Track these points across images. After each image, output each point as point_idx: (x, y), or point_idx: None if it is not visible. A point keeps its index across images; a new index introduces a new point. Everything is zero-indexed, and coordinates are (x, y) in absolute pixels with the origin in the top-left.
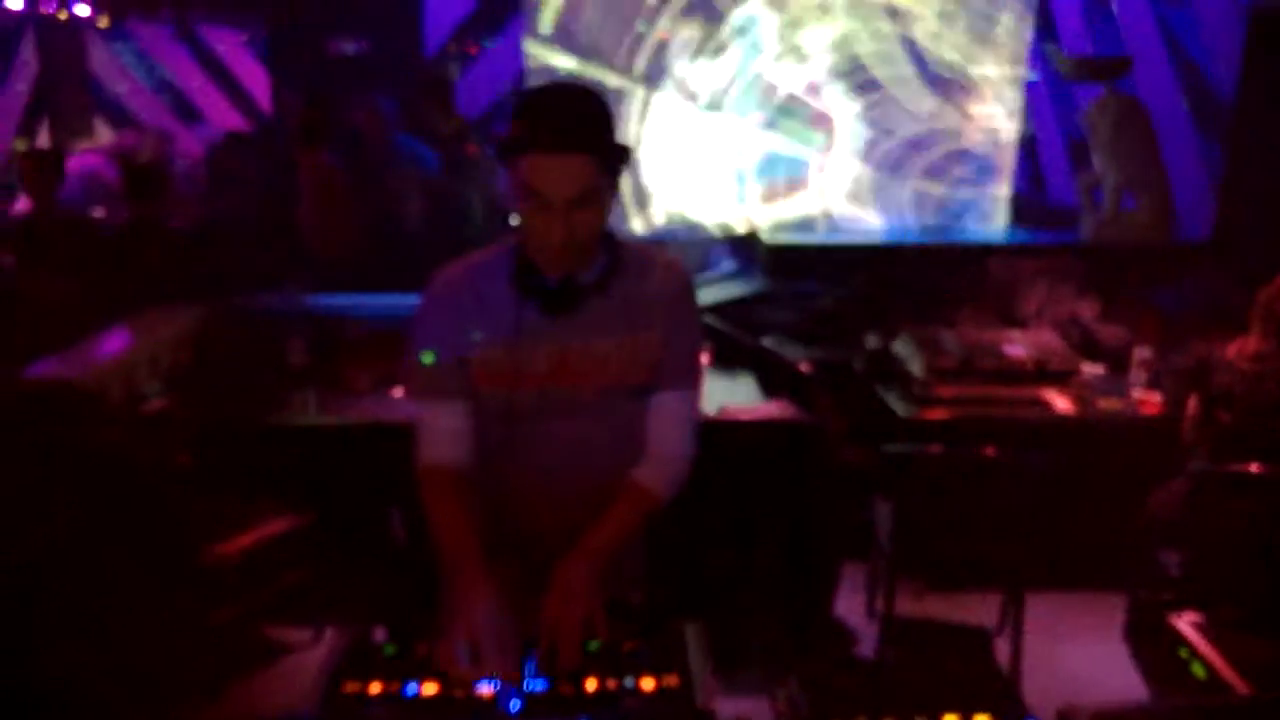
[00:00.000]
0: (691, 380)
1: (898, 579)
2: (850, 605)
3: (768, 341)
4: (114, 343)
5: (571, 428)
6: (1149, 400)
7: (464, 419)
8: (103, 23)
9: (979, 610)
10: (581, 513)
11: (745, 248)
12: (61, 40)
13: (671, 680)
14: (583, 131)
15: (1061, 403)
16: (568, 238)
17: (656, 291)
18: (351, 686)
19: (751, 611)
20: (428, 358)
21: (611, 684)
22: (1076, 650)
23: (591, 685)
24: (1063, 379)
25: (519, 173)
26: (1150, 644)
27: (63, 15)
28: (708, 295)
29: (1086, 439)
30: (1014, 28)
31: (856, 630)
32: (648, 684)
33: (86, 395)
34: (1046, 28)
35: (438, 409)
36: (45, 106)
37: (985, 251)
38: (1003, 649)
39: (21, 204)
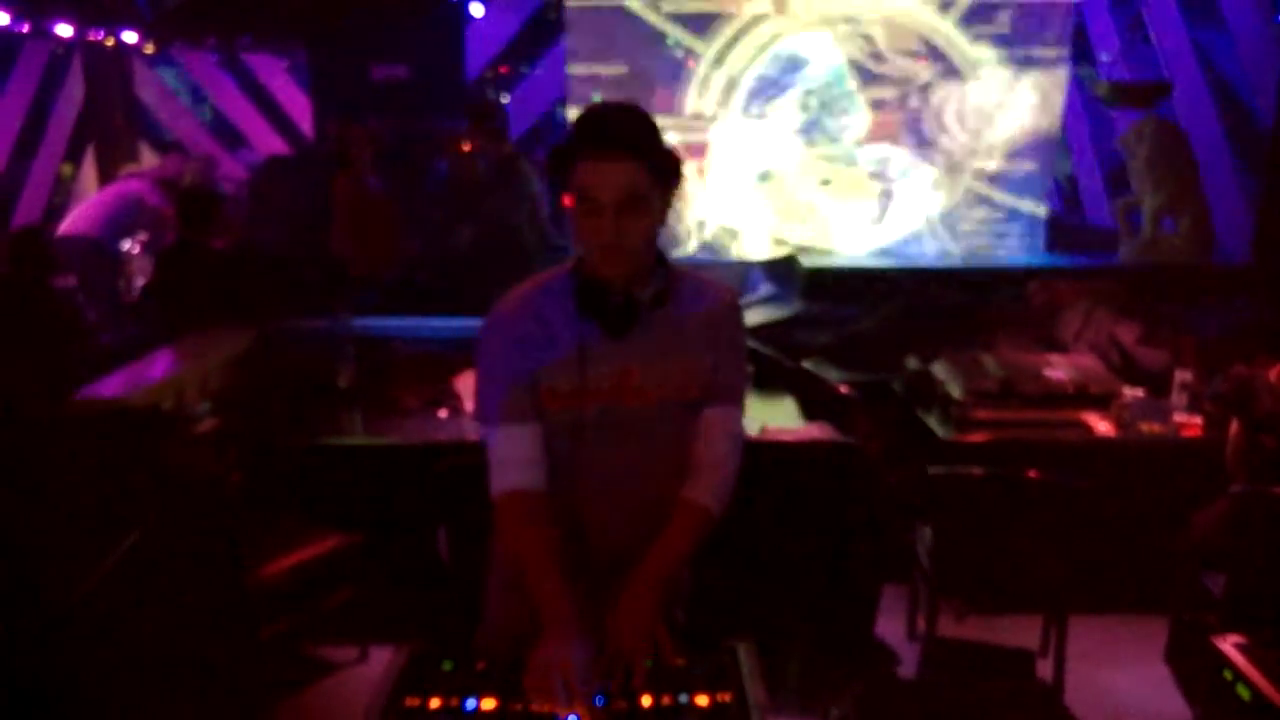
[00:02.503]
0: (737, 396)
1: (939, 601)
2: (891, 627)
3: (807, 364)
4: (162, 364)
5: (631, 444)
6: (1190, 423)
7: (537, 444)
8: (149, 49)
9: (1020, 633)
10: (642, 526)
11: (783, 271)
12: (108, 66)
13: (725, 697)
14: (629, 137)
15: (1102, 426)
16: (616, 241)
17: (710, 312)
18: (412, 701)
19: (793, 632)
20: (498, 383)
21: (666, 700)
22: (1119, 673)
23: (647, 701)
24: (1103, 402)
25: (572, 179)
26: (1193, 666)
27: (110, 42)
28: (746, 318)
29: (1127, 462)
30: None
31: (897, 652)
32: (702, 700)
33: (168, 416)
34: (1083, 53)
35: (510, 434)
36: (91, 132)
37: (1023, 275)
38: (1045, 671)
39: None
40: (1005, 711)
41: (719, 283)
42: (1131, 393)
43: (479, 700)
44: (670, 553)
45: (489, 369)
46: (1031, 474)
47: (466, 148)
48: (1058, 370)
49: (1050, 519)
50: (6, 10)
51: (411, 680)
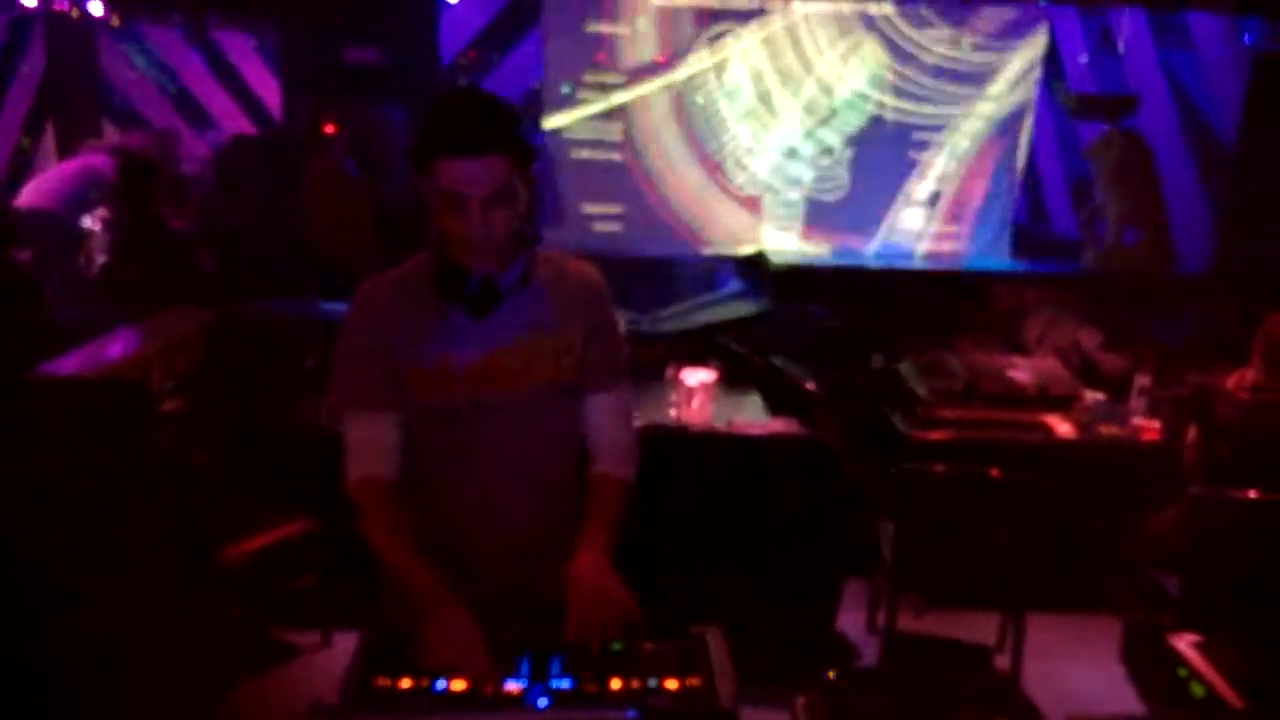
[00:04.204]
0: (620, 375)
1: (899, 596)
2: (851, 620)
3: (775, 360)
4: (125, 342)
5: (505, 430)
6: (1149, 427)
7: (396, 432)
8: (114, 23)
9: (977, 628)
10: (520, 517)
11: (752, 268)
12: (71, 38)
13: (695, 682)
14: (492, 132)
15: (1063, 427)
16: (485, 235)
17: (573, 292)
18: (382, 681)
19: (754, 623)
20: (357, 368)
21: (635, 684)
22: (1074, 669)
23: (616, 684)
24: (1065, 404)
25: (433, 177)
26: (1148, 664)
27: (75, 14)
28: (713, 314)
29: (1087, 463)
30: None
31: (857, 645)
32: (671, 685)
33: (132, 393)
34: (1052, 65)
35: (369, 421)
36: (51, 104)
37: (988, 279)
38: (1001, 666)
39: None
40: (970, 700)
41: (583, 262)
42: (1092, 396)
43: (449, 681)
44: (605, 521)
45: (349, 354)
46: (994, 472)
47: None
48: (1021, 372)
49: (1011, 517)
50: None
51: (381, 661)
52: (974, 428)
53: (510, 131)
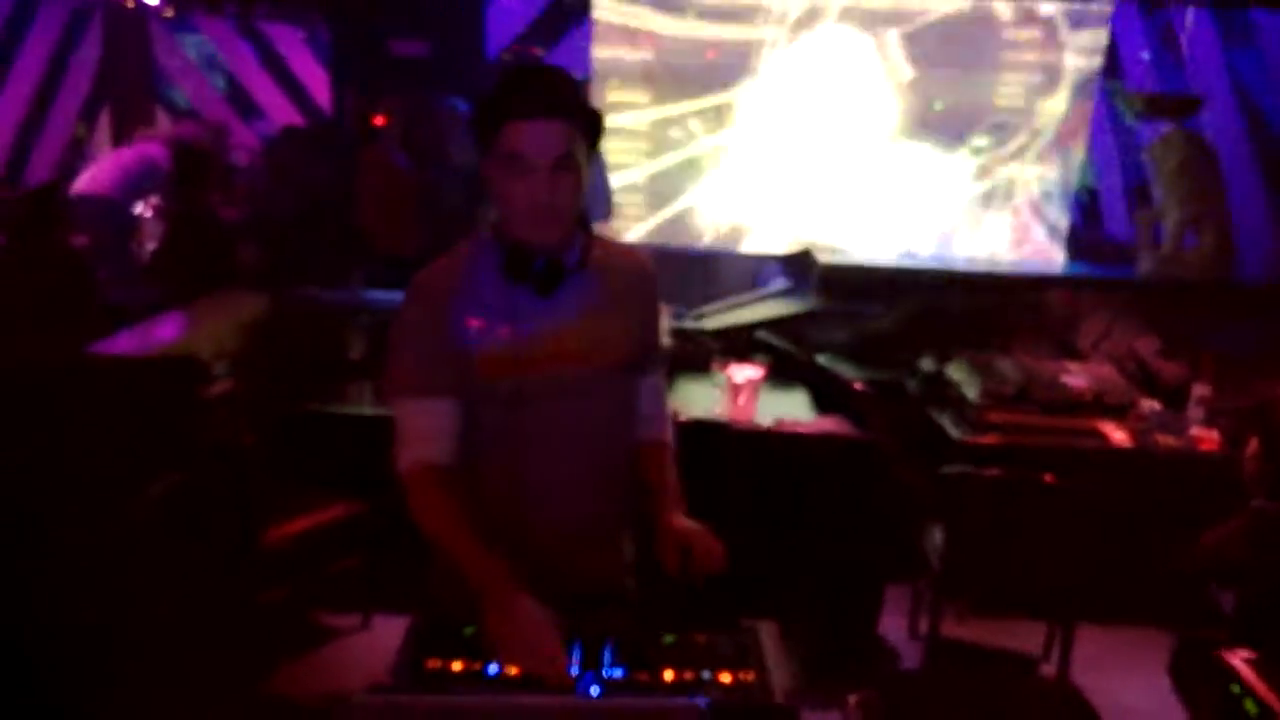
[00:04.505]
0: (663, 362)
1: (943, 601)
2: (892, 625)
3: (821, 359)
4: (175, 325)
5: (576, 409)
6: (1207, 438)
7: (452, 418)
8: (168, 14)
9: (1021, 637)
10: (580, 498)
11: (798, 266)
12: (127, 29)
13: (748, 676)
14: (560, 97)
15: (1118, 436)
16: (551, 200)
17: (630, 276)
18: (433, 664)
19: (796, 622)
20: (417, 354)
21: (689, 675)
22: (1121, 682)
23: (669, 675)
24: (1120, 412)
25: (500, 143)
26: (1198, 679)
27: (130, 3)
28: (758, 311)
29: (1142, 473)
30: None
31: (898, 649)
32: (725, 678)
33: (185, 374)
34: (1110, 65)
35: (425, 407)
36: (107, 93)
37: (1041, 282)
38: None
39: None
40: (1026, 704)
41: (635, 248)
42: (1148, 404)
43: (502, 664)
44: (670, 483)
45: (408, 339)
46: (1048, 478)
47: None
48: (1076, 378)
49: (1063, 525)
50: None
51: (432, 643)
52: (1026, 433)
53: (579, 100)
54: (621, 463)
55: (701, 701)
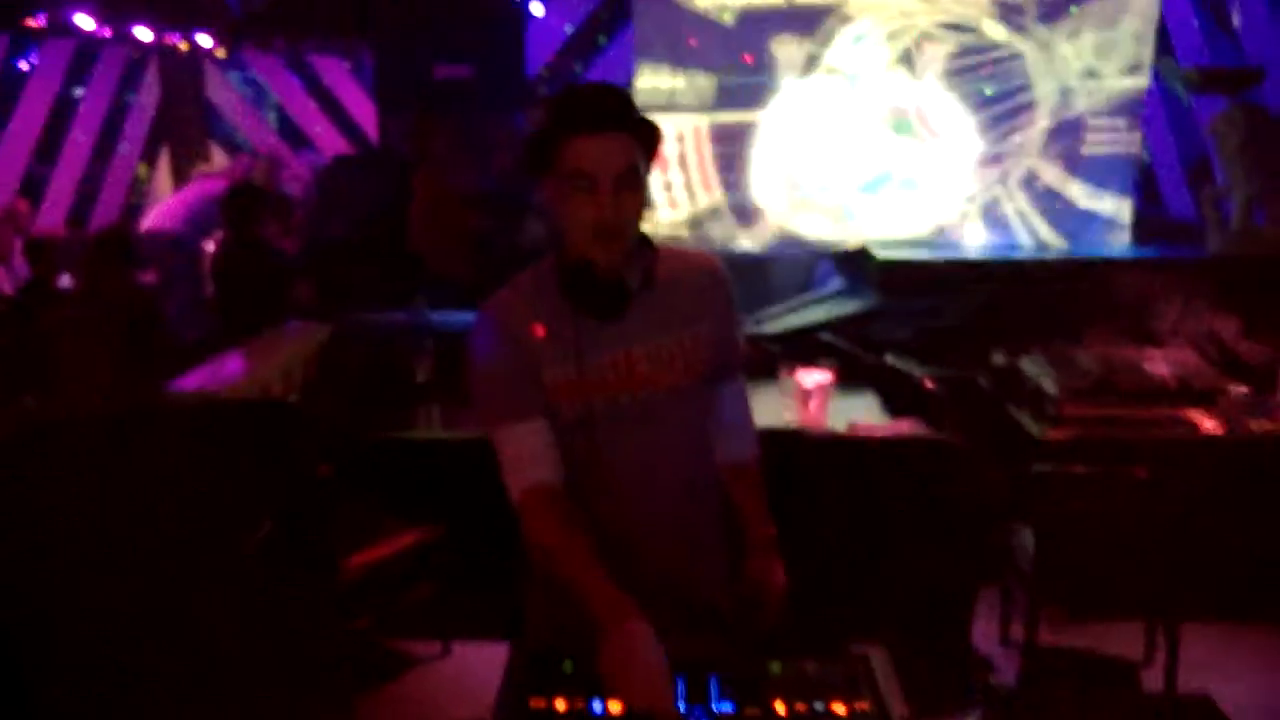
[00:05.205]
0: (741, 366)
1: (1038, 606)
2: (982, 632)
3: (888, 358)
4: (241, 360)
5: (648, 431)
6: None
7: (548, 438)
8: (220, 53)
9: (1118, 640)
10: (664, 520)
11: (855, 264)
12: (182, 70)
13: (863, 705)
14: (622, 112)
15: (1208, 423)
16: (615, 218)
17: (700, 285)
18: (537, 702)
19: (884, 636)
20: (499, 381)
21: (801, 707)
22: (1231, 685)
23: (781, 709)
24: (1208, 398)
25: (563, 161)
26: None
27: (184, 46)
28: (817, 312)
29: (1236, 461)
30: (1134, 42)
31: (992, 658)
32: (839, 709)
33: (300, 413)
34: (1161, 42)
35: (520, 430)
36: (166, 133)
37: (1107, 266)
38: (1149, 682)
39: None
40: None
41: (702, 254)
42: (1235, 389)
43: (605, 702)
44: (761, 513)
45: (487, 369)
46: (1142, 472)
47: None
48: (1158, 365)
49: (1159, 520)
50: (91, 15)
51: (533, 680)
52: (1109, 425)
53: (634, 112)
54: (705, 472)
55: None
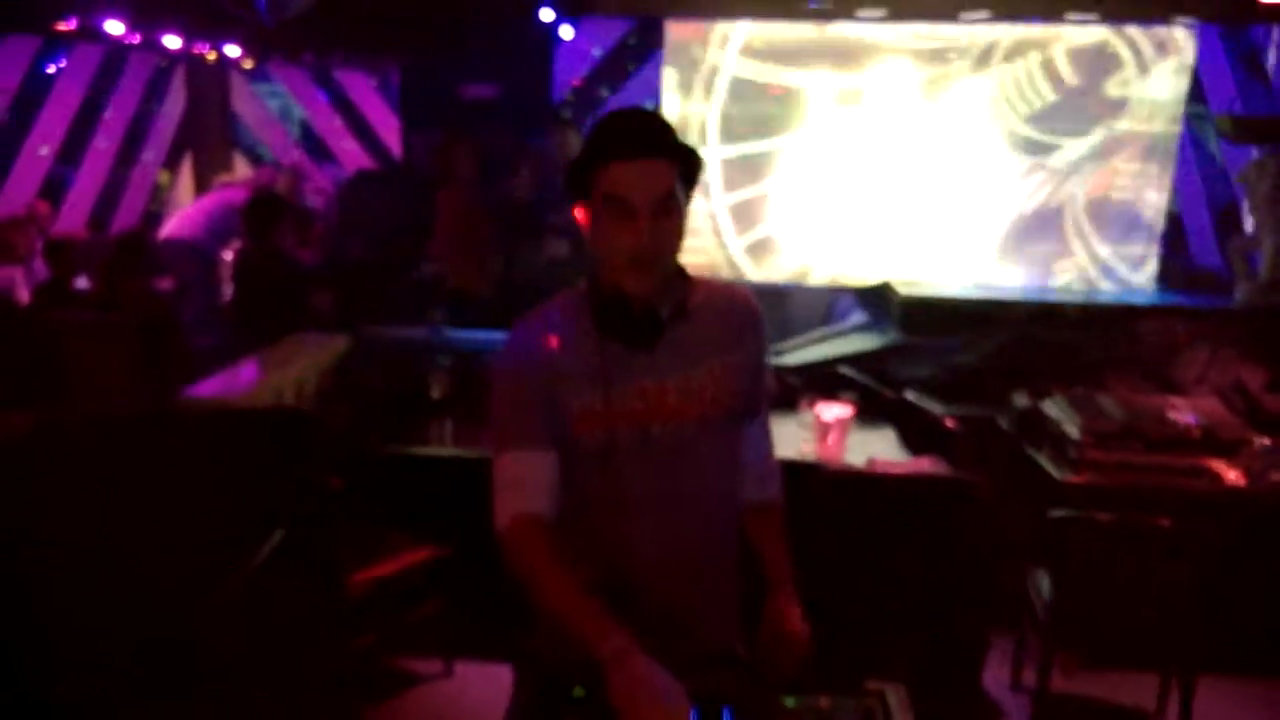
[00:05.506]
0: (767, 401)
1: (1052, 652)
2: (992, 677)
3: (908, 395)
4: (257, 368)
5: (673, 463)
6: None
7: (554, 471)
8: (248, 64)
9: (1131, 690)
10: (686, 554)
11: (877, 300)
12: (208, 79)
13: None
14: (661, 137)
15: (1231, 474)
16: (652, 246)
17: (733, 317)
18: None
19: (895, 676)
20: (515, 405)
21: None
22: None
23: None
24: (1233, 449)
25: (599, 186)
26: None
27: (212, 55)
28: (838, 346)
29: (1259, 514)
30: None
31: (1001, 703)
32: None
33: (313, 423)
34: (1194, 89)
35: (528, 460)
36: (189, 141)
37: (1133, 313)
38: None
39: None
40: None
41: (737, 286)
42: (1260, 441)
43: None
44: (782, 556)
45: (505, 391)
46: (1165, 522)
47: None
48: (1182, 413)
49: (1179, 570)
50: (122, 20)
51: (544, 708)
52: (1132, 472)
53: (674, 138)
54: (728, 514)
55: None
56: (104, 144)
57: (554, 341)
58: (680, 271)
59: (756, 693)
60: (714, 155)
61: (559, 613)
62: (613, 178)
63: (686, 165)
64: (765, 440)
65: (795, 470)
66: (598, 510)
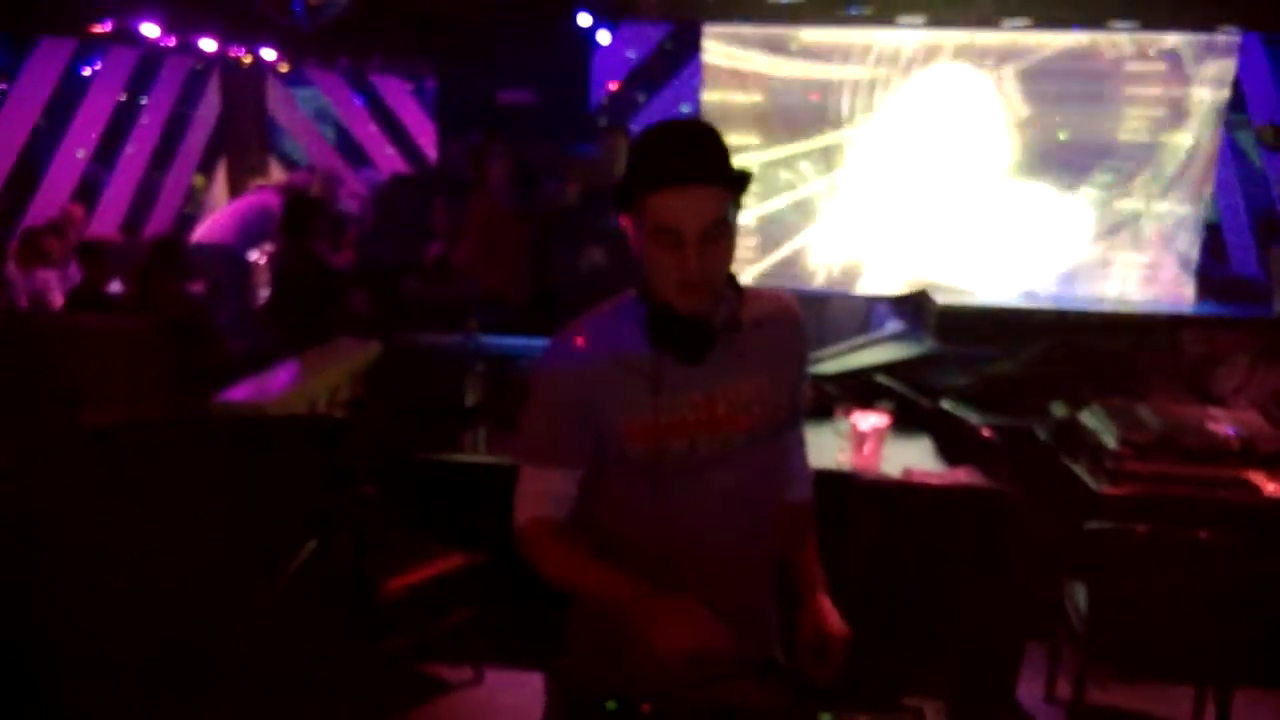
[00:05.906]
0: (804, 412)
1: (1088, 664)
2: (1027, 688)
3: (944, 404)
4: (291, 373)
5: (722, 476)
6: None
7: (574, 486)
8: (283, 68)
9: (1167, 703)
10: (726, 563)
11: (913, 308)
12: (243, 84)
13: None
14: (711, 162)
15: (1271, 486)
16: (702, 274)
17: (780, 328)
18: None
19: (930, 687)
20: (547, 422)
21: None
22: None
23: None
24: (1273, 461)
25: (647, 213)
26: None
27: (248, 59)
28: (874, 354)
29: None
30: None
31: (1034, 716)
32: None
33: (346, 429)
34: (1235, 98)
35: (552, 474)
36: (224, 145)
37: (1172, 323)
38: None
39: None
40: None
41: (782, 295)
42: None
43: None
44: (812, 557)
45: (541, 402)
46: (1204, 534)
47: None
48: (1221, 425)
49: (1219, 583)
50: (158, 23)
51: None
52: (1170, 483)
53: (725, 161)
54: (770, 528)
55: None
56: (139, 147)
57: (603, 352)
58: (731, 281)
59: (793, 709)
60: (754, 156)
61: (580, 586)
62: (662, 205)
63: (736, 186)
64: (801, 448)
65: (830, 480)
66: (640, 521)
